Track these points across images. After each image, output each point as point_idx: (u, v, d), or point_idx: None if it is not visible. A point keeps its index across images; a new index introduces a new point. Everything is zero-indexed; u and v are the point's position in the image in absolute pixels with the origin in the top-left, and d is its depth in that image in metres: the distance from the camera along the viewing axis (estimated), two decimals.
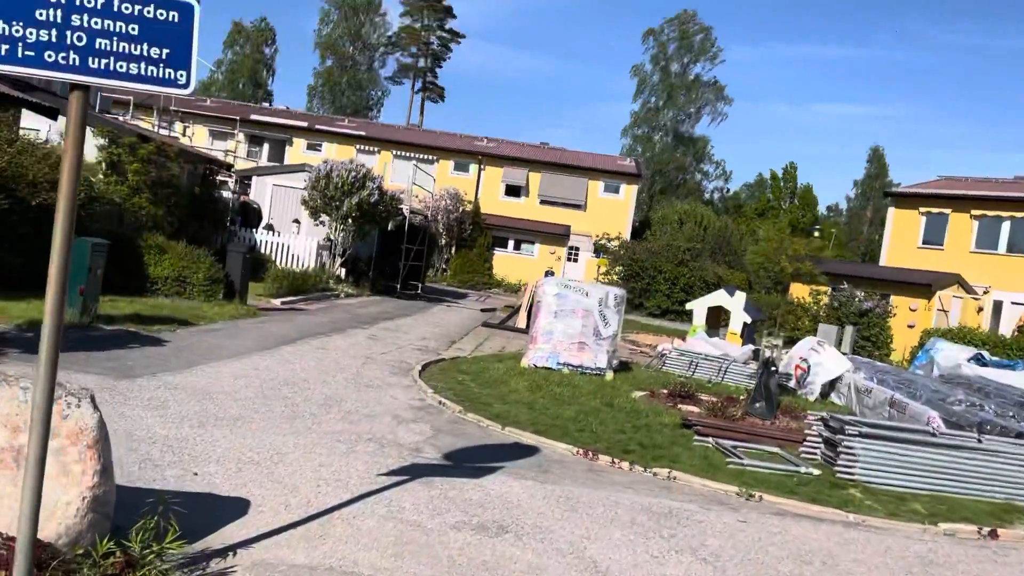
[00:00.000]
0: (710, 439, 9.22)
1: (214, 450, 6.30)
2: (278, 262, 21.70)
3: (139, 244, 14.54)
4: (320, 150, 41.11)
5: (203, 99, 48.35)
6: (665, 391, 12.26)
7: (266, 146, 42.67)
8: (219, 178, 23.32)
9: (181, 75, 3.30)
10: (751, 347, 16.80)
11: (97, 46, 3.17)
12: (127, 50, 3.20)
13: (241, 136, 41.82)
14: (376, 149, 41.79)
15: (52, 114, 14.47)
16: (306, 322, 15.19)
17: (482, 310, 24.63)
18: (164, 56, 3.26)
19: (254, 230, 22.89)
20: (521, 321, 19.92)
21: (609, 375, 13.23)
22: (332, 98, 67.95)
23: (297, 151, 41.54)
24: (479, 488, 6.38)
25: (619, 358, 14.56)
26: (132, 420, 6.75)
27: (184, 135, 38.59)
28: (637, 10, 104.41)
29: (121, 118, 25.66)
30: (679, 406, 11.45)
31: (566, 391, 11.32)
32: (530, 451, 7.99)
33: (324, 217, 22.21)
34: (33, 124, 15.33)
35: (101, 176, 16.74)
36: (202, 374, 9.05)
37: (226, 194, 24.90)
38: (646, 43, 65.96)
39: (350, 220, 21.99)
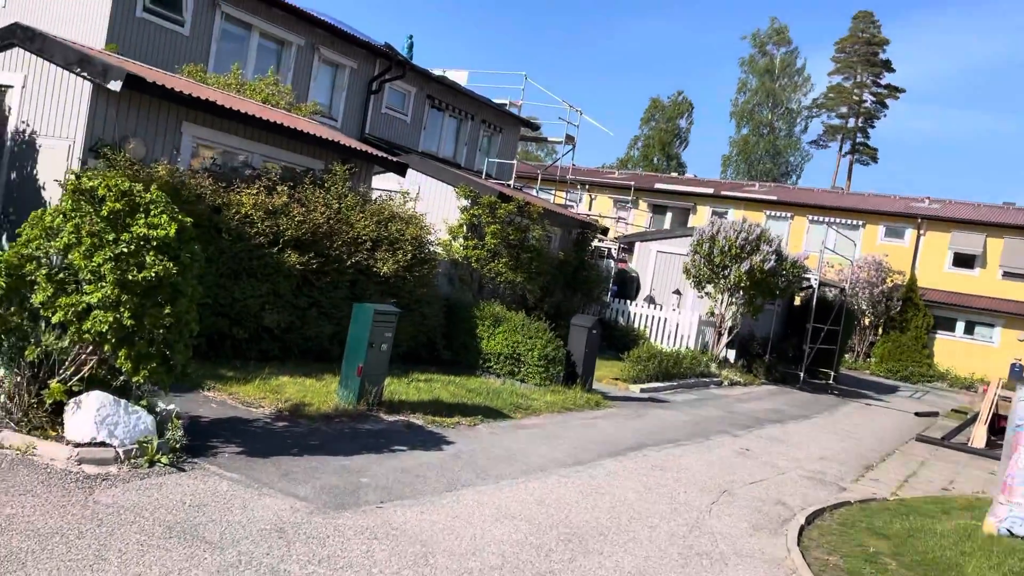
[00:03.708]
0: None
1: None
2: (653, 339, 18.61)
3: (475, 314, 12.56)
4: (726, 217, 37.60)
5: (611, 171, 48.43)
6: None
7: (669, 215, 40.58)
8: (598, 244, 21.22)
9: None
10: None
11: None
12: None
13: (644, 205, 40.40)
14: (789, 214, 37.00)
15: (400, 170, 13.38)
16: (659, 420, 11.68)
17: (917, 414, 18.54)
18: None
19: (631, 302, 20.19)
20: (979, 438, 13.93)
21: None
22: (747, 167, 64.37)
23: (701, 219, 38.54)
24: None
25: None
26: None
27: (590, 206, 38.43)
28: None
29: (533, 191, 25.36)
30: None
31: None
32: None
33: (709, 287, 18.62)
34: (391, 186, 14.48)
35: (462, 240, 15.45)
36: (449, 508, 6.11)
37: (611, 263, 22.79)
38: None
39: (740, 291, 18.04)
